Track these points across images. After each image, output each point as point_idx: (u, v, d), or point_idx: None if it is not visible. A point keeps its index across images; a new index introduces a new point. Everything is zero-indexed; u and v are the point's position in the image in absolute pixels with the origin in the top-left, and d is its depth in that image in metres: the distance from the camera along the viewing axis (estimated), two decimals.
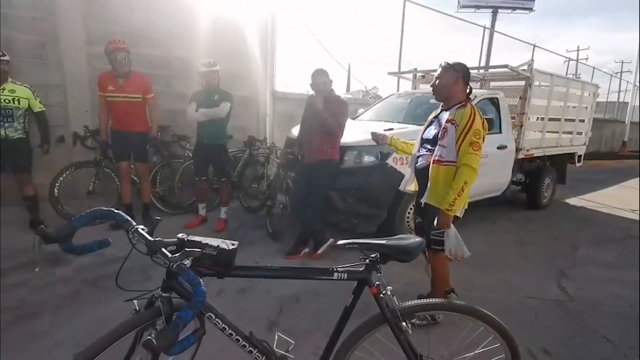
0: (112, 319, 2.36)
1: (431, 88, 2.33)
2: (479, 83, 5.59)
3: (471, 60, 11.40)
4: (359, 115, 5.13)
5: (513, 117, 4.82)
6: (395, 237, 1.31)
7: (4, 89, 3.44)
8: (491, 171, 4.25)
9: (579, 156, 6.30)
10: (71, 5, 4.11)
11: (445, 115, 2.23)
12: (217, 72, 3.89)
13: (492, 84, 5.70)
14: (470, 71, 2.35)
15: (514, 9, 17.19)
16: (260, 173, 4.84)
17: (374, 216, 3.58)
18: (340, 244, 1.27)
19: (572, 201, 6.39)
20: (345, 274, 1.26)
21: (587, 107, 6.27)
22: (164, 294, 1.14)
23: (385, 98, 5.47)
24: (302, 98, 6.65)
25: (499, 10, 16.86)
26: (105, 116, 3.80)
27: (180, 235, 1.15)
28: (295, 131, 4.33)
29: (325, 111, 3.22)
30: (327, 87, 3.29)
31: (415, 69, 6.00)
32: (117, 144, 3.85)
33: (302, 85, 7.13)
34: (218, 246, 1.14)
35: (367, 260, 1.27)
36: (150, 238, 1.10)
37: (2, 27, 3.77)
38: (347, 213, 3.60)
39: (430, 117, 2.47)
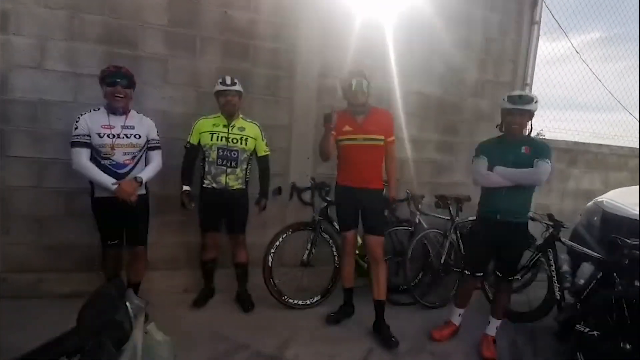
0: None
1: None
2: None
3: None
4: None
5: None
6: None
7: (233, 126, 2.82)
8: None
9: None
10: (311, 35, 3.45)
11: None
12: (530, 112, 2.39)
13: None
14: None
15: None
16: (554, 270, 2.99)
17: None
18: None
19: None
20: None
21: None
22: None
23: None
24: (578, 149, 4.61)
25: None
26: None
27: None
28: (618, 201, 2.45)
29: None
30: None
31: None
32: (344, 206, 2.77)
33: (572, 126, 4.89)
34: None
35: None
36: None
37: (243, 61, 3.30)
38: None
39: None
